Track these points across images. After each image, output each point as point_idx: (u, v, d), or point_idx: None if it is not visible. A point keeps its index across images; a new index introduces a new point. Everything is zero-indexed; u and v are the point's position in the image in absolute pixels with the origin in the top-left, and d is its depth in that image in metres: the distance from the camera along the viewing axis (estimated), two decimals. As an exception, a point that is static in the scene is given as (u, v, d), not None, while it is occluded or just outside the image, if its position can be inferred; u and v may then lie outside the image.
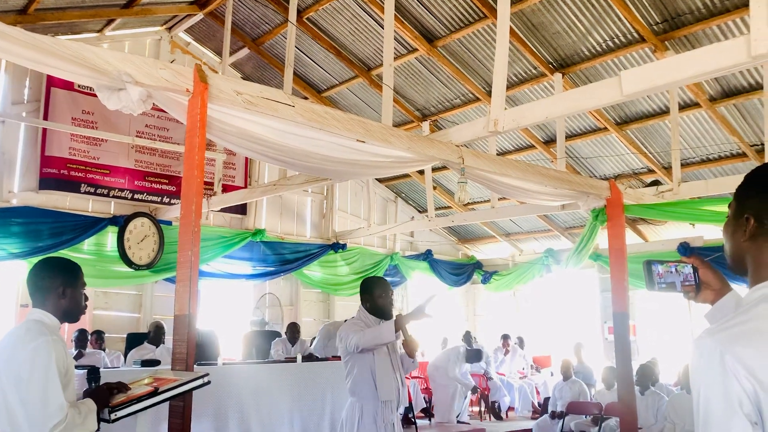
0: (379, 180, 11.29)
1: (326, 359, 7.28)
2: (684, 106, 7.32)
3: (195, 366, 3.45)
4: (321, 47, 8.47)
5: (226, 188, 8.82)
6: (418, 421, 8.52)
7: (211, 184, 8.59)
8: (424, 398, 8.78)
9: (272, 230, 9.87)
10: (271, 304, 9.85)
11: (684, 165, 7.73)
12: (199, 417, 5.18)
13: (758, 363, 1.08)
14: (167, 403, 2.95)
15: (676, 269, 1.57)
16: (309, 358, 6.98)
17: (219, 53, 8.80)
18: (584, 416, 7.42)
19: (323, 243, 10.37)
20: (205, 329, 7.61)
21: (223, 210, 8.76)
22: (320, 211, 10.81)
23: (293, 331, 8.13)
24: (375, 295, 3.91)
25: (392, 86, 5.43)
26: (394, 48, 7.18)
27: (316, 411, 6.37)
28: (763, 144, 6.51)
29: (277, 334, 8.50)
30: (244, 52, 9.04)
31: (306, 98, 9.12)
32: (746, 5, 5.66)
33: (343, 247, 10.40)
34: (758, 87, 6.65)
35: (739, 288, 1.47)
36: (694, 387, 1.17)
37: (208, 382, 2.88)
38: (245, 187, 9.25)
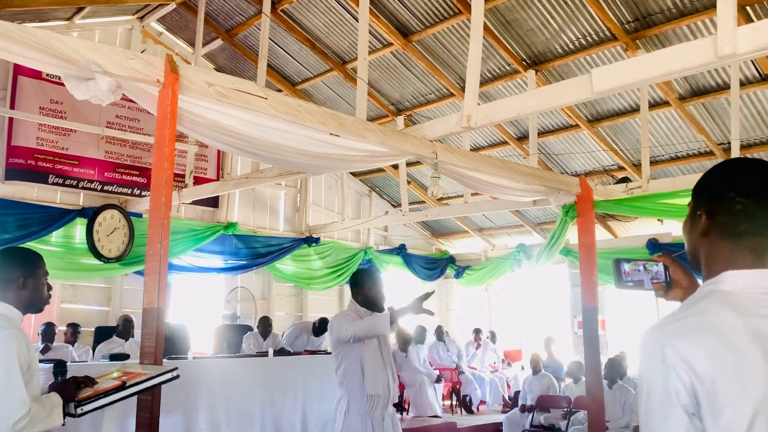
0: (354, 174, 11.27)
1: (298, 353, 7.27)
2: (654, 105, 7.44)
3: (164, 360, 3.42)
4: (296, 40, 8.41)
5: (197, 180, 8.72)
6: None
7: (183, 176, 8.49)
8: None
9: (245, 223, 9.80)
10: (243, 298, 9.79)
11: (653, 162, 7.86)
12: (168, 411, 5.13)
13: (696, 355, 1.11)
14: (135, 397, 2.92)
15: (644, 267, 1.60)
16: (281, 352, 6.96)
17: (192, 44, 8.69)
18: (553, 410, 7.52)
19: (296, 237, 10.33)
20: (176, 323, 7.54)
21: (195, 202, 8.66)
22: (294, 204, 10.76)
23: (265, 325, 8.10)
24: (366, 287, 3.89)
25: (367, 80, 5.42)
26: (369, 42, 7.17)
27: (288, 405, 6.36)
28: (729, 143, 6.64)
29: (249, 329, 8.46)
30: (218, 43, 8.94)
31: (280, 91, 9.06)
32: (715, 6, 5.78)
33: (317, 241, 10.37)
34: (726, 87, 6.79)
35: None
36: (638, 379, 1.21)
37: (177, 377, 2.85)
38: (217, 179, 9.16)
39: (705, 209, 1.29)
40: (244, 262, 9.45)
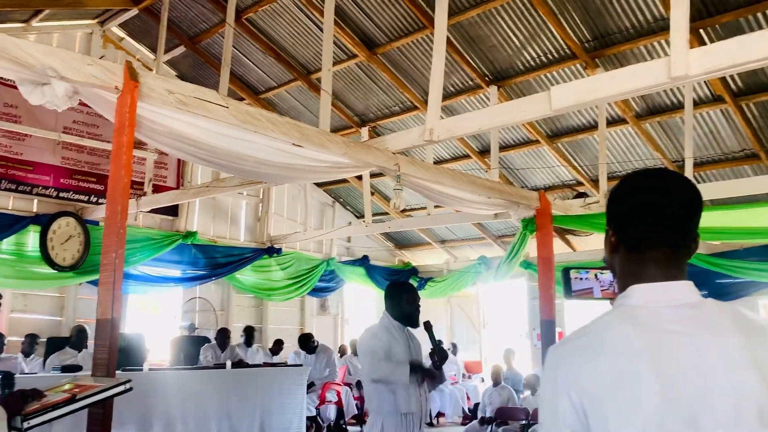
0: (317, 184, 11.24)
1: (258, 366, 7.19)
2: (612, 122, 7.62)
3: (118, 372, 3.35)
4: (260, 49, 8.38)
5: (157, 188, 8.58)
6: (350, 427, 8.51)
7: (142, 183, 8.35)
8: (356, 405, 8.77)
9: (204, 233, 9.67)
10: (201, 308, 9.64)
11: (610, 178, 8.03)
12: (122, 425, 5.01)
13: (585, 375, 1.12)
14: (86, 410, 2.85)
15: (596, 276, 1.60)
16: (239, 364, 6.87)
17: (154, 50, 8.58)
18: (511, 422, 7.57)
19: (257, 247, 10.23)
20: (132, 333, 7.39)
21: (154, 211, 8.52)
22: (255, 214, 10.67)
23: (223, 336, 7.98)
24: (402, 300, 3.72)
25: (331, 91, 5.43)
26: (334, 53, 7.19)
27: (246, 418, 6.27)
28: (683, 160, 6.85)
29: (207, 340, 8.32)
30: (181, 50, 8.84)
31: (243, 100, 9.01)
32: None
33: (279, 251, 10.29)
34: (680, 106, 6.99)
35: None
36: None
37: (131, 389, 2.80)
38: (177, 187, 9.03)
39: (613, 225, 1.29)
40: (203, 273, 9.31)
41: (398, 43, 7.50)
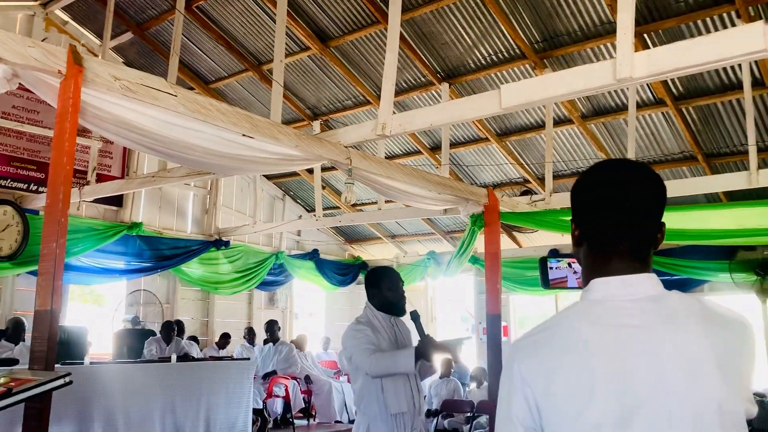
0: (267, 177, 11.12)
1: (203, 359, 7.08)
2: (558, 122, 7.80)
3: (57, 366, 3.25)
4: (210, 38, 8.22)
5: (101, 178, 8.34)
6: (296, 421, 8.48)
7: (85, 172, 8.10)
8: (304, 398, 8.75)
9: (150, 224, 9.45)
10: (146, 301, 9.43)
11: (556, 177, 8.23)
12: (60, 420, 4.87)
13: (539, 371, 1.11)
14: (23, 405, 2.76)
15: (569, 265, 1.62)
16: (184, 358, 6.76)
17: (100, 36, 8.31)
18: (457, 414, 7.70)
19: (205, 239, 10.07)
20: (73, 326, 7.18)
21: (98, 201, 8.27)
22: (203, 205, 10.49)
23: (168, 330, 7.83)
24: (384, 287, 3.39)
25: (282, 83, 5.38)
26: (287, 45, 7.13)
27: (191, 412, 6.18)
28: (625, 161, 7.06)
29: (152, 333, 8.16)
30: (128, 36, 8.59)
31: (192, 89, 8.83)
32: (616, 31, 6.14)
33: (227, 244, 10.15)
34: (624, 108, 7.21)
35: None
36: None
37: (70, 383, 2.73)
38: (122, 177, 8.79)
39: (575, 219, 1.27)
40: (148, 265, 9.10)
41: (351, 36, 7.49)
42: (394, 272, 3.52)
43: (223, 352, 9.11)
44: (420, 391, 3.33)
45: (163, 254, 9.21)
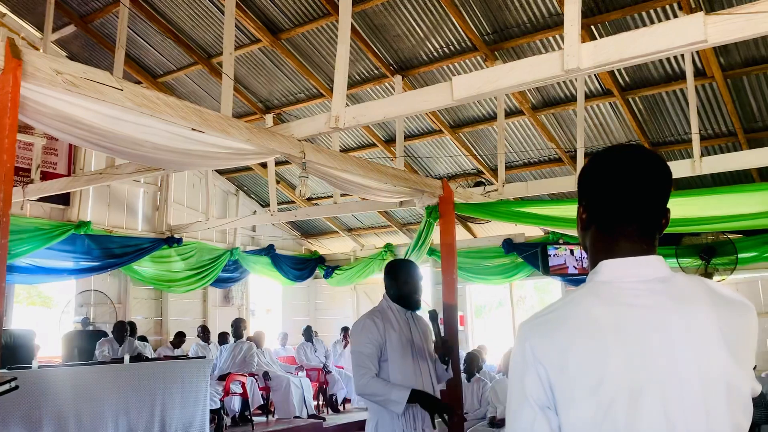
0: (220, 172, 10.96)
1: (157, 359, 6.95)
2: (510, 113, 7.90)
3: (3, 370, 3.14)
4: (157, 31, 8.03)
5: (46, 176, 8.07)
6: (255, 418, 8.41)
7: (28, 170, 7.82)
8: (262, 395, 8.68)
9: (99, 222, 9.20)
10: (97, 301, 9.19)
11: (508, 168, 8.35)
12: (7, 425, 4.71)
13: (552, 349, 1.13)
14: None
15: (571, 252, 1.62)
16: (138, 358, 6.62)
17: (41, 28, 8.01)
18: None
19: (156, 237, 9.85)
20: (20, 330, 6.96)
21: (43, 200, 8.01)
22: (153, 202, 10.26)
23: (121, 330, 7.66)
24: (402, 281, 3.33)
25: (233, 76, 5.29)
26: (237, 37, 7.01)
27: (145, 413, 6.06)
28: (575, 150, 7.22)
29: (104, 334, 7.96)
30: (70, 29, 8.31)
31: (140, 83, 8.60)
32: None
33: (179, 241, 9.96)
34: (573, 99, 7.36)
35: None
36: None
37: (17, 387, 2.64)
38: (68, 175, 8.53)
39: (584, 202, 1.29)
40: (98, 264, 8.85)
41: (303, 28, 7.41)
42: (413, 266, 3.47)
43: (178, 351, 8.96)
44: (435, 388, 3.26)
45: (113, 253, 8.98)
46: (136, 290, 9.76)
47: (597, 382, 1.09)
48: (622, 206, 1.22)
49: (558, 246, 8.86)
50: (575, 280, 8.84)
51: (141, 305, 9.83)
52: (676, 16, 5.91)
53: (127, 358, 6.37)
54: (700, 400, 1.09)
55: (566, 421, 1.11)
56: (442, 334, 3.23)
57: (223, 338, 9.30)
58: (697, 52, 6.21)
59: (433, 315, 3.44)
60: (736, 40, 3.23)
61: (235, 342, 8.71)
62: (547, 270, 8.84)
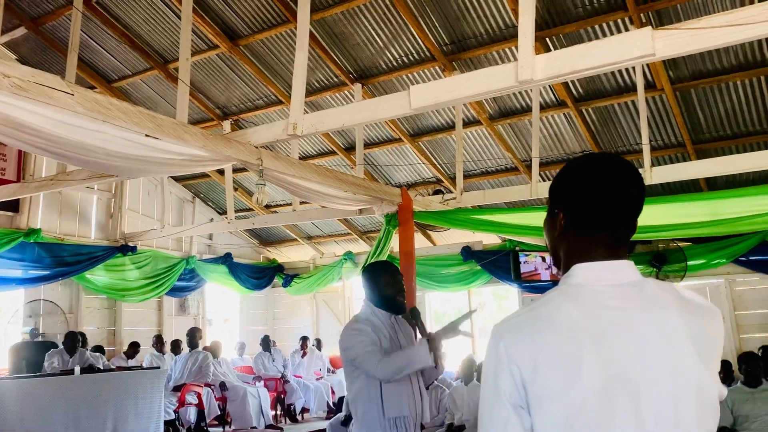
0: (176, 179, 10.78)
1: (110, 370, 6.78)
2: (468, 123, 8.00)
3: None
4: (112, 35, 7.87)
5: (-7, 182, 7.80)
6: (211, 429, 8.27)
7: (-25, 176, 7.56)
8: (218, 405, 8.54)
9: (50, 230, 8.94)
10: (47, 311, 8.92)
11: (466, 176, 8.44)
12: (-51, 442, 4.53)
13: (525, 349, 1.14)
14: None
15: (543, 259, 1.64)
16: (89, 369, 6.44)
17: (-12, 29, 7.77)
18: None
19: (110, 245, 9.63)
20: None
21: (-10, 206, 7.74)
22: (107, 210, 10.02)
23: (72, 341, 7.44)
24: (383, 283, 3.12)
25: (189, 81, 5.22)
26: (194, 43, 6.93)
27: (96, 425, 5.91)
28: (531, 160, 7.34)
29: (54, 345, 7.72)
30: (21, 31, 8.08)
31: (93, 88, 8.43)
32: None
33: (133, 249, 9.75)
34: (529, 109, 7.49)
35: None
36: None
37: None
38: (18, 181, 8.26)
39: (563, 206, 1.30)
40: (48, 273, 8.60)
41: (262, 35, 7.37)
42: (392, 266, 3.28)
43: (132, 362, 8.76)
44: (423, 394, 3.11)
45: (64, 261, 8.73)
46: (88, 299, 9.51)
47: (569, 382, 1.11)
48: (601, 213, 1.25)
49: (528, 253, 8.94)
50: (540, 287, 8.93)
51: (93, 315, 9.57)
52: (627, 30, 6.08)
53: (77, 369, 6.19)
54: (671, 403, 1.11)
55: (538, 421, 1.12)
56: (427, 331, 3.07)
57: (176, 347, 9.13)
58: (648, 65, 6.40)
59: (415, 312, 3.28)
60: (682, 54, 3.35)
61: (190, 352, 8.56)
62: (518, 277, 8.90)
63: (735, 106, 6.87)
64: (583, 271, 1.22)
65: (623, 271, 1.22)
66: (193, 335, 8.65)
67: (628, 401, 1.10)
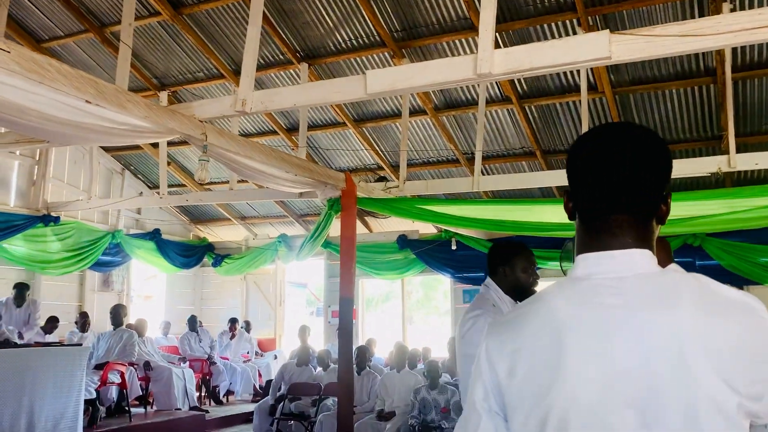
0: (105, 149, 10.29)
1: (28, 345, 6.43)
2: (413, 112, 7.99)
3: None
4: (45, -9, 7.40)
5: None
6: (133, 409, 7.99)
7: None
8: (141, 385, 8.26)
9: (-35, 195, 8.37)
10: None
11: (409, 165, 8.45)
12: None
13: (504, 350, 1.06)
14: None
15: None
16: (5, 344, 6.09)
17: None
18: (304, 398, 7.68)
19: (31, 214, 9.10)
20: None
21: None
22: (29, 177, 9.46)
23: (-14, 313, 7.01)
24: (517, 267, 2.79)
25: (131, 47, 4.97)
26: (135, 8, 6.59)
27: (10, 404, 5.59)
28: (473, 153, 7.43)
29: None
30: (-59, -22, 7.47)
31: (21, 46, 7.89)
32: (472, 28, 6.40)
33: (56, 220, 9.26)
34: (474, 103, 7.56)
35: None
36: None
37: None
38: (-70, 140, 7.67)
39: (570, 189, 1.15)
40: (-39, 241, 8.06)
41: (207, 5, 7.09)
42: (528, 249, 2.91)
43: (50, 338, 8.34)
44: None
45: (-22, 229, 8.20)
46: (4, 271, 8.98)
47: (543, 392, 0.98)
48: (605, 193, 1.07)
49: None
50: (474, 278, 9.09)
51: (9, 287, 9.04)
52: (575, 32, 6.22)
53: (-8, 344, 5.84)
54: (681, 419, 0.93)
55: (514, 430, 1.03)
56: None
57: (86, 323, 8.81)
58: (591, 68, 6.57)
59: None
60: (637, 60, 3.45)
61: (114, 329, 8.24)
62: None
63: (669, 113, 7.17)
64: (585, 262, 1.07)
65: (631, 261, 1.04)
66: (118, 312, 8.32)
67: (617, 419, 0.94)
